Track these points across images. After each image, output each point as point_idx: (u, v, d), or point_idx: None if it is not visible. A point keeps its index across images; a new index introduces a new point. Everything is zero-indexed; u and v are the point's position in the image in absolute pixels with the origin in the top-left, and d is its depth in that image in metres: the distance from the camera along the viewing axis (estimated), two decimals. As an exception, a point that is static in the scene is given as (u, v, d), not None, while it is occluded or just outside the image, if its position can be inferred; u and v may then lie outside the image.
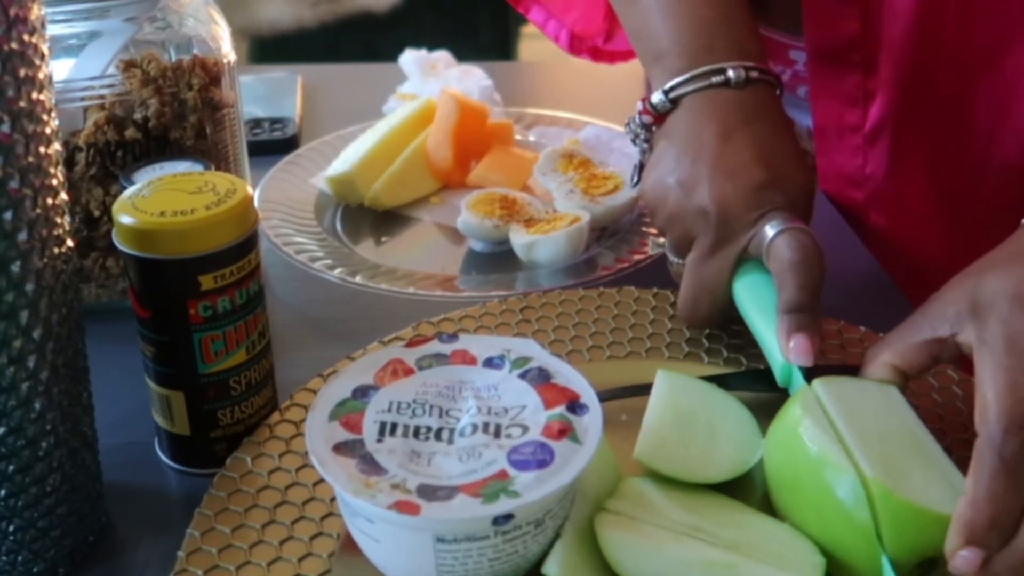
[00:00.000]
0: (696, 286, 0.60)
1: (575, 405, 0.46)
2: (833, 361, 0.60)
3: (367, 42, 2.30)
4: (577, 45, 0.97)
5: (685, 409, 0.53)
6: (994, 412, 0.44)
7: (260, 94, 1.02)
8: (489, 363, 0.48)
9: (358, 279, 0.70)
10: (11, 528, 0.46)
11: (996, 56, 0.71)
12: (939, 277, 0.78)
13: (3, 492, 0.45)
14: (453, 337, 0.50)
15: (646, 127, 0.64)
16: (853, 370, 0.54)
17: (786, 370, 0.54)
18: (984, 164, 0.75)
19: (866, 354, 0.52)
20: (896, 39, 0.73)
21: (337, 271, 0.71)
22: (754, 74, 0.61)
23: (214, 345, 0.52)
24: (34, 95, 0.43)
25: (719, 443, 0.52)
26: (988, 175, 0.76)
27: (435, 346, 0.49)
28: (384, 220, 0.81)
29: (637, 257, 0.72)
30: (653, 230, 0.65)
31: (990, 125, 0.74)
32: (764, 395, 0.56)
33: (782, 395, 0.54)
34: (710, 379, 0.56)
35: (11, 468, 0.45)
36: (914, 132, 0.77)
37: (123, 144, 0.64)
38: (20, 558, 0.47)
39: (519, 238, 0.73)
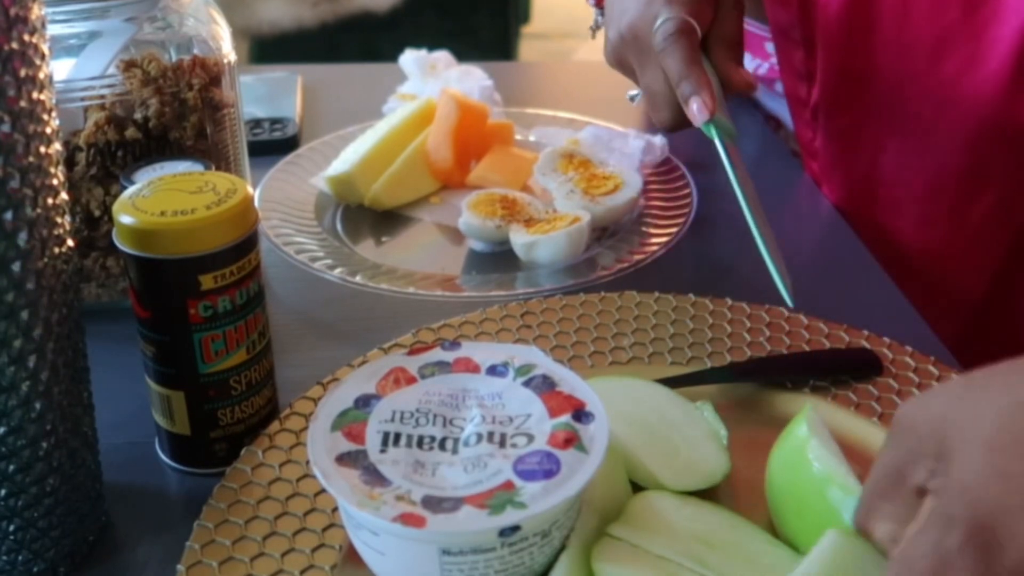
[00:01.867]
0: (649, 93, 0.68)
1: (581, 413, 0.45)
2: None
3: (367, 42, 2.30)
4: None
5: (638, 419, 0.52)
6: None
7: (260, 94, 1.02)
8: (493, 371, 0.48)
9: (358, 279, 0.70)
10: (11, 528, 0.46)
11: (935, 57, 0.72)
12: (903, 260, 0.80)
13: (3, 492, 0.45)
14: (455, 344, 0.50)
15: None
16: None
17: (706, 129, 0.63)
18: (921, 162, 0.77)
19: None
20: (829, 24, 0.76)
21: (337, 271, 0.70)
22: None
23: (214, 345, 0.51)
24: (34, 95, 0.43)
25: (693, 442, 0.51)
26: (923, 174, 0.77)
27: (437, 354, 0.49)
28: (384, 220, 0.81)
29: (637, 257, 0.71)
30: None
31: (928, 124, 0.75)
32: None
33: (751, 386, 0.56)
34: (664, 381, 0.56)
35: (11, 468, 0.45)
36: (852, 116, 0.79)
37: (123, 144, 0.64)
38: (20, 558, 0.47)
39: (519, 238, 0.73)
